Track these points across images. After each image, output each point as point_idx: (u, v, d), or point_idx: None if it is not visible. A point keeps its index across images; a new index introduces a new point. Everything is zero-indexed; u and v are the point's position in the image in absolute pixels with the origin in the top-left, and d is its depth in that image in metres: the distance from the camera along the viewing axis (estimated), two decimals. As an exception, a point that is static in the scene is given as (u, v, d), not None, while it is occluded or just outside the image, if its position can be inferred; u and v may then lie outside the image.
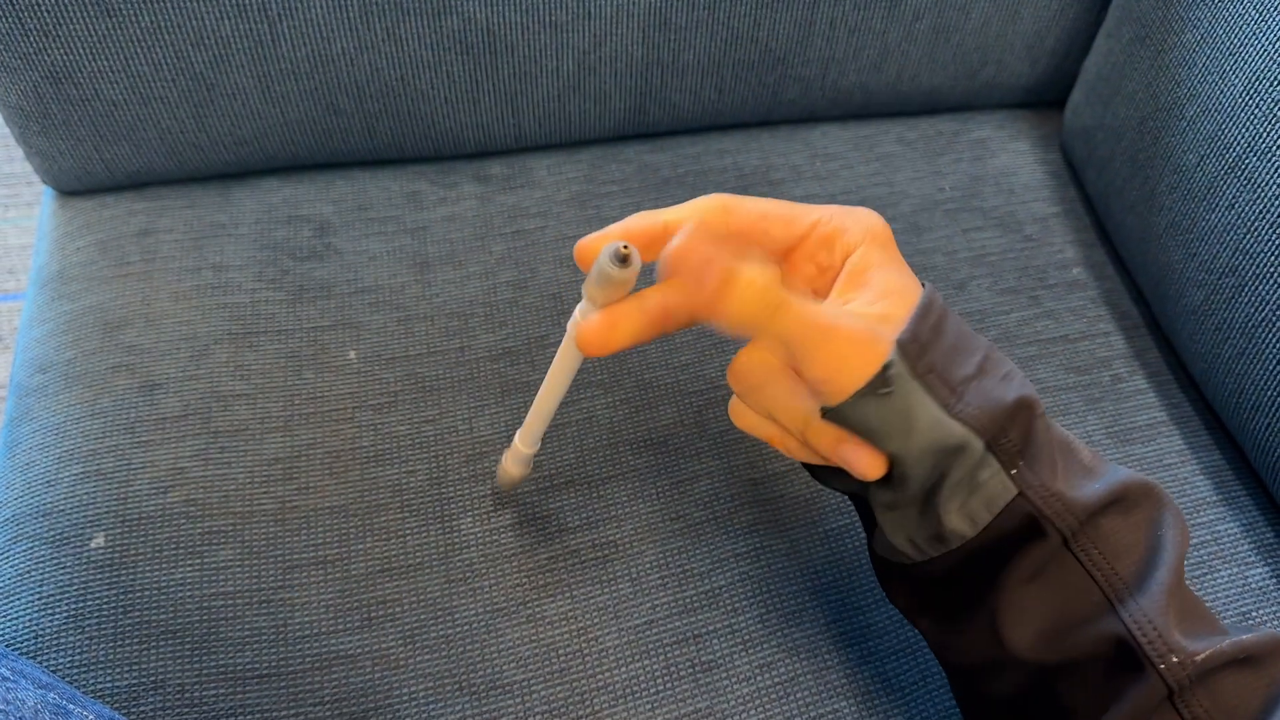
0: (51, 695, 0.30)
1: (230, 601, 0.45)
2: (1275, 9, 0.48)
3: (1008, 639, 0.32)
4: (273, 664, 0.44)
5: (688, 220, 0.33)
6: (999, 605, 0.32)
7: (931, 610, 0.36)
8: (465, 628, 0.45)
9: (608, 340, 0.31)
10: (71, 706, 0.30)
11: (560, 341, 0.36)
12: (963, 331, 0.33)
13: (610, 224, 0.34)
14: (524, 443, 0.43)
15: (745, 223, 0.34)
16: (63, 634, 0.44)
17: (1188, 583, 0.34)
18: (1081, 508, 0.31)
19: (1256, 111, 0.48)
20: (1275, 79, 0.47)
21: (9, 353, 1.05)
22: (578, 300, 0.33)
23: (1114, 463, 0.34)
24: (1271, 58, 0.47)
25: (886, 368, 0.30)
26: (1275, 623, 0.49)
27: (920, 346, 0.31)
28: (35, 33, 0.49)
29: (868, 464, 0.32)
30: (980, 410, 0.31)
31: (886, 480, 0.33)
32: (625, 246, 0.30)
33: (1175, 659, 0.29)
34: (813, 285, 0.35)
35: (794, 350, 0.30)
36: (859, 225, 0.34)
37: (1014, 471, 0.31)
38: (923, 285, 0.34)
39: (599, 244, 0.32)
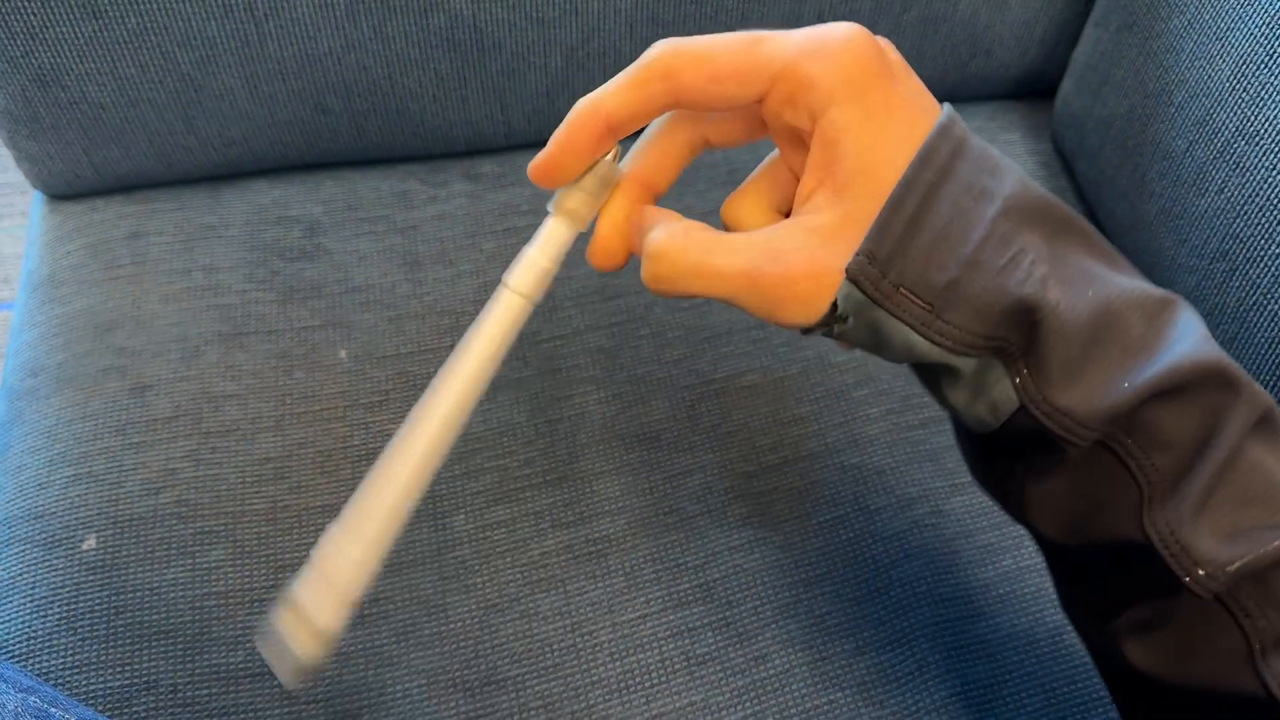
0: (33, 699, 0.29)
1: (222, 601, 0.45)
2: (1261, -7, 0.47)
3: (1032, 520, 0.30)
4: (265, 663, 0.44)
5: (629, 104, 0.29)
6: (1026, 485, 0.29)
7: (976, 467, 0.33)
8: (458, 624, 0.45)
9: (631, 242, 0.32)
10: (53, 710, 0.29)
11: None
12: (966, 197, 0.27)
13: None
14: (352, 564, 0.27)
15: (695, 87, 0.28)
16: (55, 636, 0.44)
17: None
18: (1103, 416, 0.27)
19: (1243, 96, 0.48)
20: (1261, 63, 0.47)
21: (3, 359, 1.04)
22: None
23: (1185, 325, 0.28)
24: (1257, 41, 0.47)
25: (833, 309, 0.27)
26: None
27: (885, 260, 0.26)
28: (21, 36, 0.49)
29: None
30: (966, 322, 0.27)
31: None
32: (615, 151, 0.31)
33: (1202, 572, 0.26)
34: (793, 148, 0.30)
35: (734, 304, 0.28)
36: (830, 70, 0.27)
37: (1017, 380, 0.27)
38: (940, 109, 0.28)
39: (573, 152, 0.30)
